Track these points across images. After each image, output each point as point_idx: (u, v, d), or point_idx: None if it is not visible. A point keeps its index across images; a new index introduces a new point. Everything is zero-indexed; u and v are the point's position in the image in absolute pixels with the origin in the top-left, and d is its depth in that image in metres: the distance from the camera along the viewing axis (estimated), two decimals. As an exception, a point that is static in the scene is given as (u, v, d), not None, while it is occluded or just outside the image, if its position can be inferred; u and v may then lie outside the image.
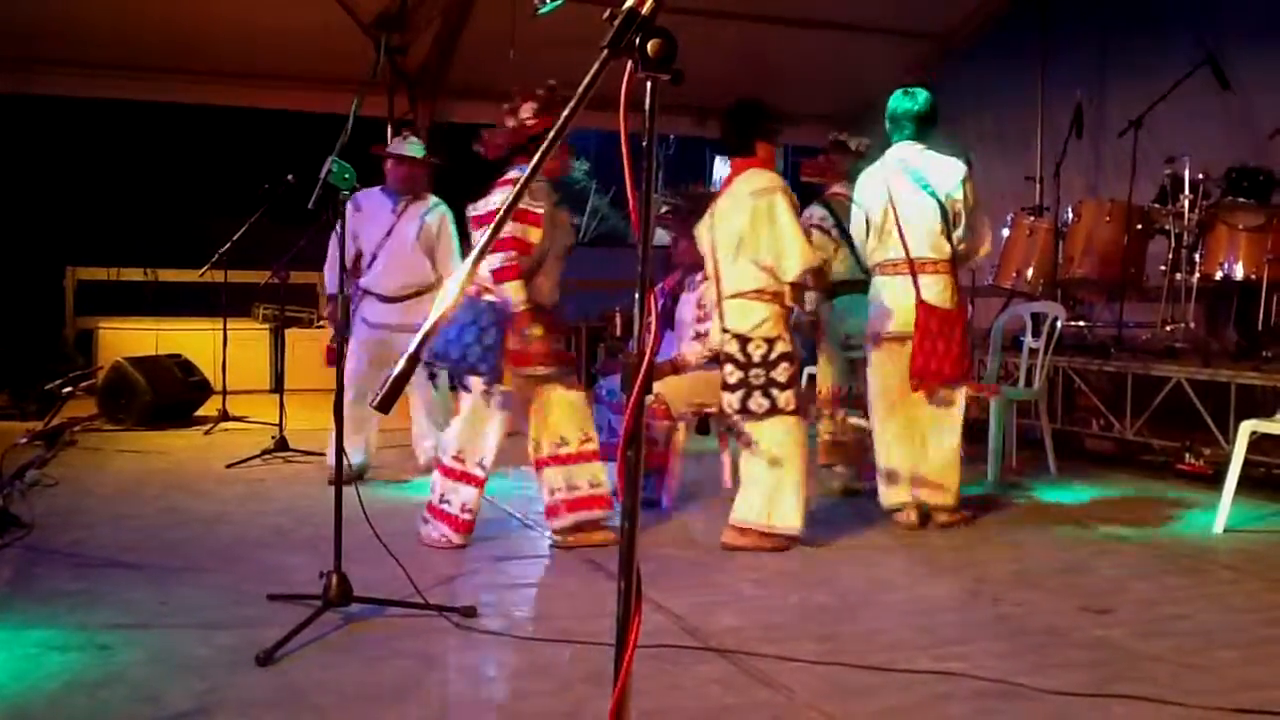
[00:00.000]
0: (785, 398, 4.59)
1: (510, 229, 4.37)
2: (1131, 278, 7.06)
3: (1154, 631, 3.68)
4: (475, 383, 4.56)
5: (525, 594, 4.02)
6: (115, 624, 3.54)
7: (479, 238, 4.19)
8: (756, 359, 4.60)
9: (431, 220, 5.98)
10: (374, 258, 5.91)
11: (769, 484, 4.63)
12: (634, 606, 1.62)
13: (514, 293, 4.42)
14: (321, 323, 9.87)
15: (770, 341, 4.60)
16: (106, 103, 10.12)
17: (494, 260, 4.37)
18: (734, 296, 4.68)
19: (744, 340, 4.61)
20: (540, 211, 4.48)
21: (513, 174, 4.50)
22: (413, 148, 6.04)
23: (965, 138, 9.46)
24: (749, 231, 4.60)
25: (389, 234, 5.90)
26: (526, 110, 4.47)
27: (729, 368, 4.64)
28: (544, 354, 4.52)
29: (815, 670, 3.26)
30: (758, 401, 4.59)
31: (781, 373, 4.58)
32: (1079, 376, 7.16)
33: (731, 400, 4.64)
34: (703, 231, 4.89)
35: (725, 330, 4.69)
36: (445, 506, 4.60)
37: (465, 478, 4.60)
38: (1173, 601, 4.06)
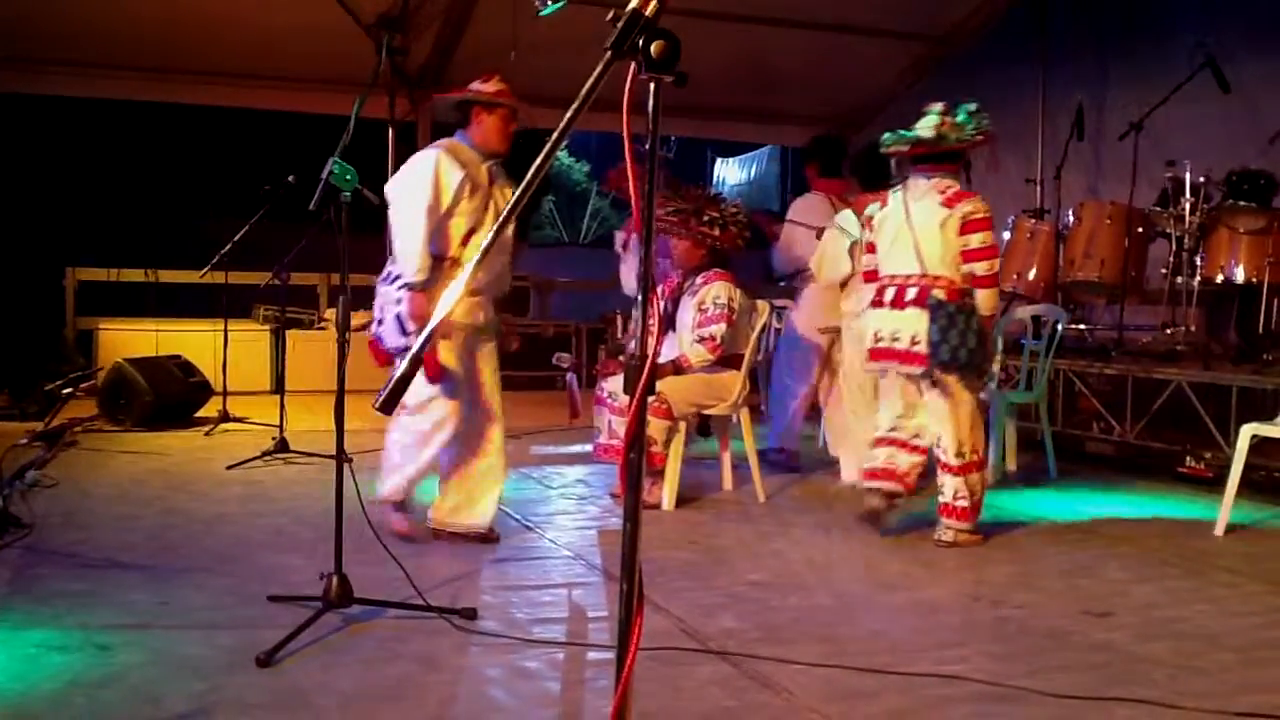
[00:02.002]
0: None
1: (992, 235, 4.69)
2: (1132, 281, 7.06)
3: (1154, 634, 3.68)
4: (951, 381, 4.71)
5: (526, 596, 4.01)
6: (115, 625, 3.54)
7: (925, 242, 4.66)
8: None
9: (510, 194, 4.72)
10: (469, 234, 4.54)
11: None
12: (636, 609, 1.62)
13: (994, 299, 4.79)
14: (324, 324, 9.61)
15: None
16: (107, 103, 10.13)
17: (996, 265, 4.76)
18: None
19: None
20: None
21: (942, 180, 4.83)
22: None
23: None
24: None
25: (485, 207, 4.58)
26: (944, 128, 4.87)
27: None
28: (992, 357, 4.98)
29: (815, 672, 3.26)
30: None
31: None
32: (1080, 379, 7.15)
33: None
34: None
35: None
36: (961, 503, 4.78)
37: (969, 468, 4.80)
38: (1173, 604, 4.06)
